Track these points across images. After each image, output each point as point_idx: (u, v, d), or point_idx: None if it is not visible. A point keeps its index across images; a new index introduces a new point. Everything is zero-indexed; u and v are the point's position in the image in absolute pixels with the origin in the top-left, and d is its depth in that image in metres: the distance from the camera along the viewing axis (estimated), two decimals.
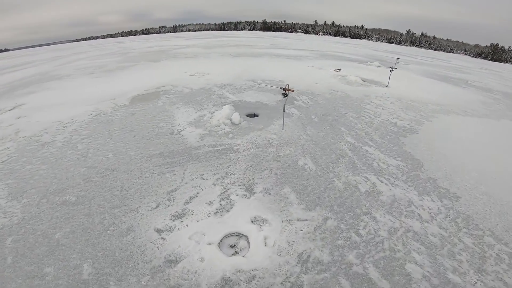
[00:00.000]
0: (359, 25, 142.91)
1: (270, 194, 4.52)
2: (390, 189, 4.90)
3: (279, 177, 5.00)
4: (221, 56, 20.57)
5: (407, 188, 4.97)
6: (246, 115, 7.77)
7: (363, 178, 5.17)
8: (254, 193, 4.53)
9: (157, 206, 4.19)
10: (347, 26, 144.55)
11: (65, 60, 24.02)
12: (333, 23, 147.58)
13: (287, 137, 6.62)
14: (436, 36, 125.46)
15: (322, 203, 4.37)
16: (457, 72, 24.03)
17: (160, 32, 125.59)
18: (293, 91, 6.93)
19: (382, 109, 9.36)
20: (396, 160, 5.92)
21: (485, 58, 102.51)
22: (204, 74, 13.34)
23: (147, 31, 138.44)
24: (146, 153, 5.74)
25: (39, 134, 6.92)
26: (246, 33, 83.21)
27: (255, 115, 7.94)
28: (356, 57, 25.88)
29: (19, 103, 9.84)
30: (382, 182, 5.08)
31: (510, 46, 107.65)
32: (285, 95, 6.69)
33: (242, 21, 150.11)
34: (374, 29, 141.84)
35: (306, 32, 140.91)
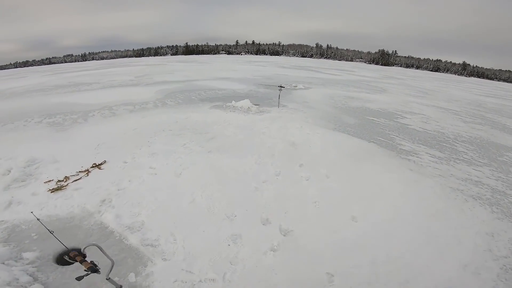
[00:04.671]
0: (277, 42, 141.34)
1: None
2: None
3: None
4: None
5: None
6: None
7: None
8: None
9: None
10: (266, 44, 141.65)
11: None
12: (253, 42, 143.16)
13: None
14: (338, 47, 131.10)
15: None
16: (371, 91, 15.88)
17: (65, 62, 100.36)
18: None
19: None
20: None
21: (377, 63, 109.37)
22: None
23: (48, 61, 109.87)
24: None
25: None
26: (155, 59, 69.38)
27: None
28: (238, 86, 15.57)
29: None
30: None
31: (393, 51, 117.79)
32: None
33: (164, 46, 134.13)
34: (290, 45, 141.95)
35: (228, 53, 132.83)
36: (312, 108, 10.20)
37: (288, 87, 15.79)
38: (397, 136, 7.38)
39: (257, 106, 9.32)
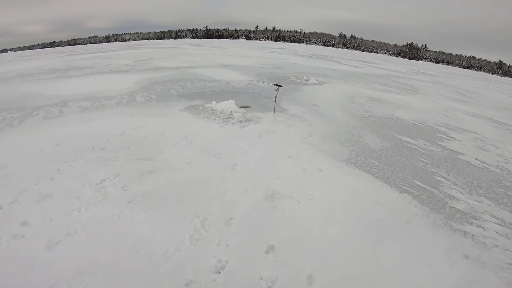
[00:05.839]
0: (298, 30, 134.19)
1: None
2: None
3: None
4: None
5: None
6: None
7: None
8: None
9: None
10: (287, 31, 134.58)
11: None
12: (273, 28, 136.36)
13: None
14: (363, 38, 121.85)
15: None
16: (401, 91, 12.51)
17: (90, 43, 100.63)
18: None
19: None
20: None
21: (403, 56, 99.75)
22: None
23: (74, 42, 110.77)
24: None
25: None
26: (172, 42, 67.12)
27: None
28: (237, 76, 12.95)
29: None
30: None
31: (423, 45, 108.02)
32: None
33: (184, 29, 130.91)
34: (311, 33, 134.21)
35: (248, 38, 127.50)
36: (322, 116, 7.52)
37: (298, 81, 12.97)
38: (445, 179, 4.66)
39: (245, 110, 6.83)
